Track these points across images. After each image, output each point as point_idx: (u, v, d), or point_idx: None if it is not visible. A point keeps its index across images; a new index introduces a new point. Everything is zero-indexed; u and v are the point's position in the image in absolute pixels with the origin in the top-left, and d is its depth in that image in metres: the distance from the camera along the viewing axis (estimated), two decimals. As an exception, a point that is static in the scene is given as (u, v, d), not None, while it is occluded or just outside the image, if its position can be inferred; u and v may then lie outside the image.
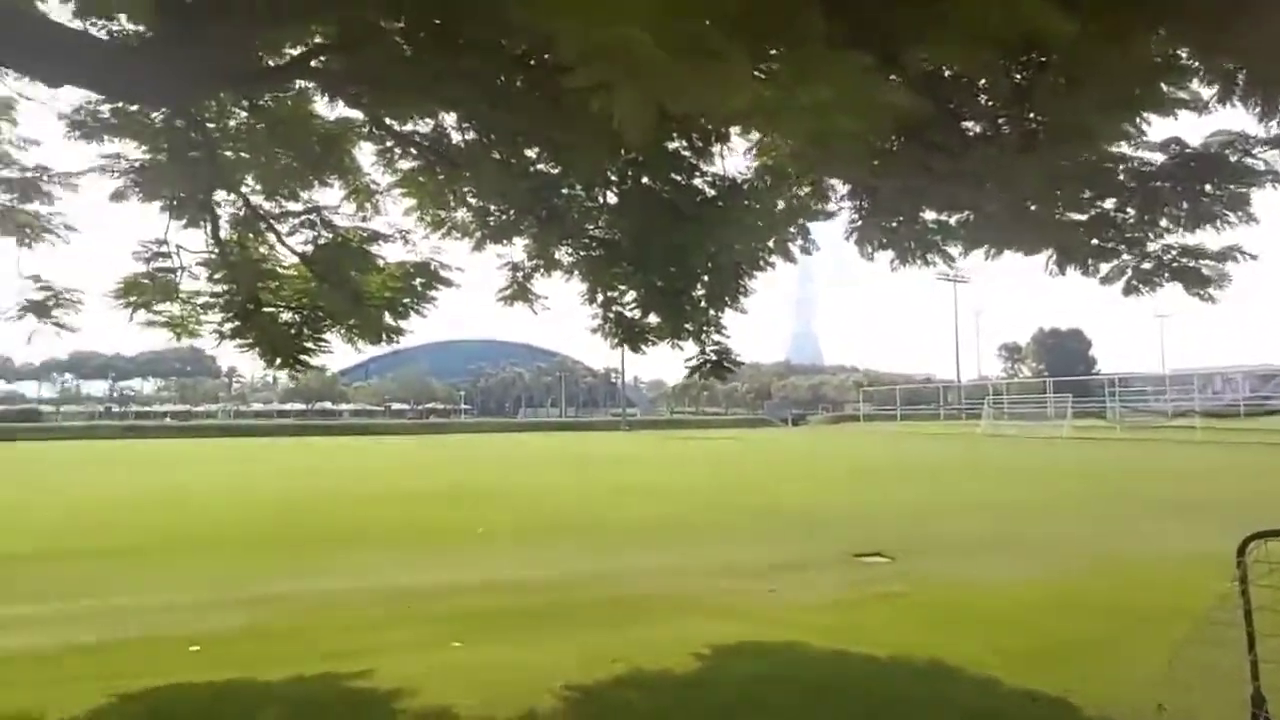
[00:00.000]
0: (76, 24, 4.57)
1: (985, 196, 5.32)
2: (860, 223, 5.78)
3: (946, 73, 4.40)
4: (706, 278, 6.82)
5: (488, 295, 7.49)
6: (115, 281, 6.91)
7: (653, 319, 7.11)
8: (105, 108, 6.11)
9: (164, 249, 6.70)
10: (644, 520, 13.51)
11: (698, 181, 6.29)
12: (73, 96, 5.91)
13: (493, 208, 7.06)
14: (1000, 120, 4.83)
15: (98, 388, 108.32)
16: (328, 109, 6.26)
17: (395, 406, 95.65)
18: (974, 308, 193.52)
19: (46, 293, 6.44)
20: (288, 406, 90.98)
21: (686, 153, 6.02)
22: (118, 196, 6.28)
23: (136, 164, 6.33)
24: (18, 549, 10.63)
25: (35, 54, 3.94)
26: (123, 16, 4.73)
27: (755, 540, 11.45)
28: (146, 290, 6.95)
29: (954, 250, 6.05)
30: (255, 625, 6.92)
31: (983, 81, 4.51)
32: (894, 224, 5.79)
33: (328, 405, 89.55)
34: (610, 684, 5.20)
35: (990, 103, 4.74)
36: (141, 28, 4.75)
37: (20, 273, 6.34)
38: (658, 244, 6.44)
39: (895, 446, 39.44)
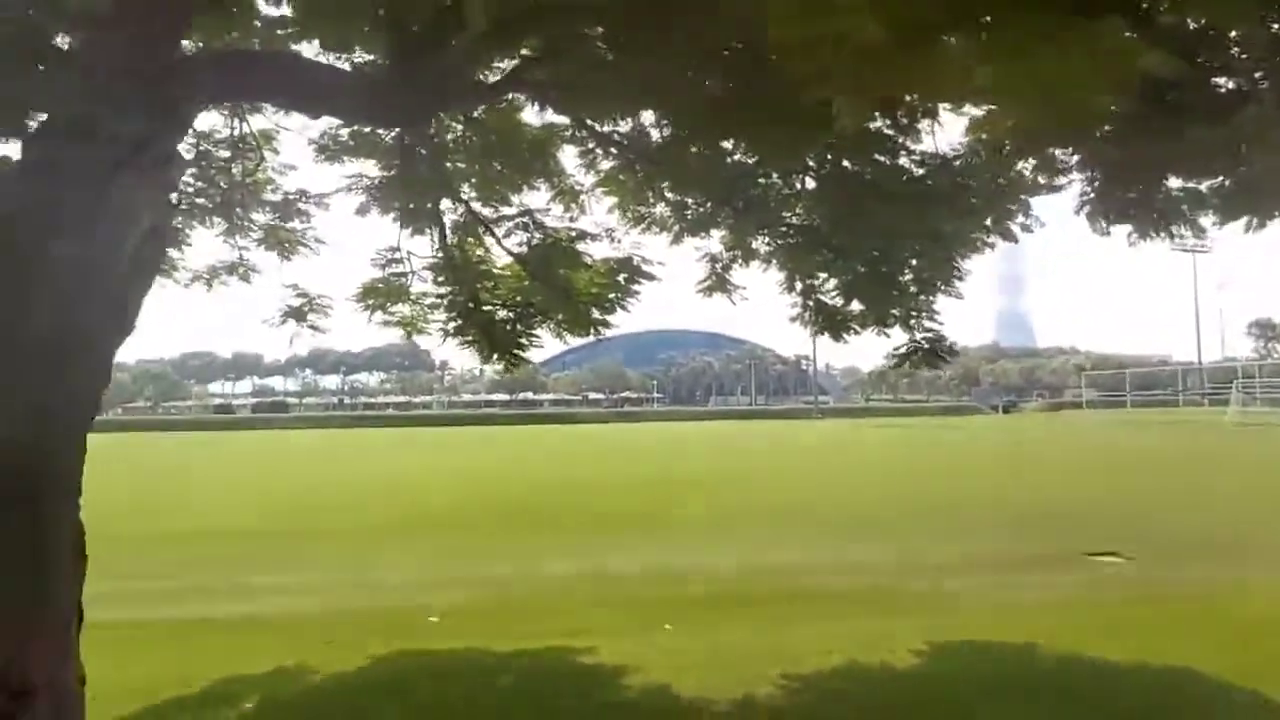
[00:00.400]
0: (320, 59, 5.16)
1: (1243, 161, 4.72)
2: (1093, 195, 5.30)
3: (1194, 26, 3.95)
4: (915, 261, 6.54)
5: (677, 285, 7.61)
6: (356, 287, 7.70)
7: (855, 306, 6.93)
8: (344, 132, 6.80)
9: (397, 255, 7.37)
10: (854, 510, 13.21)
11: (904, 161, 6.04)
12: (318, 124, 6.62)
13: (690, 201, 7.15)
14: (1258, 75, 4.27)
15: (331, 381, 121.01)
16: (535, 117, 6.60)
17: (591, 396, 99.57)
18: (1216, 280, 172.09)
19: (303, 299, 7.28)
20: (493, 397, 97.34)
21: (890, 131, 5.80)
22: (361, 211, 6.93)
23: (375, 180, 6.99)
24: (271, 526, 12.12)
25: (300, 92, 4.43)
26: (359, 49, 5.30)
27: (972, 535, 10.87)
28: (382, 293, 7.67)
29: (1206, 221, 5.40)
30: (481, 602, 7.48)
31: (1236, 34, 4.01)
32: (1133, 195, 5.26)
33: (529, 395, 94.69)
34: (828, 675, 5.17)
35: (1246, 56, 4.21)
36: (374, 58, 5.28)
37: (282, 282, 7.18)
38: (861, 228, 6.25)
39: (1126, 436, 35.85)
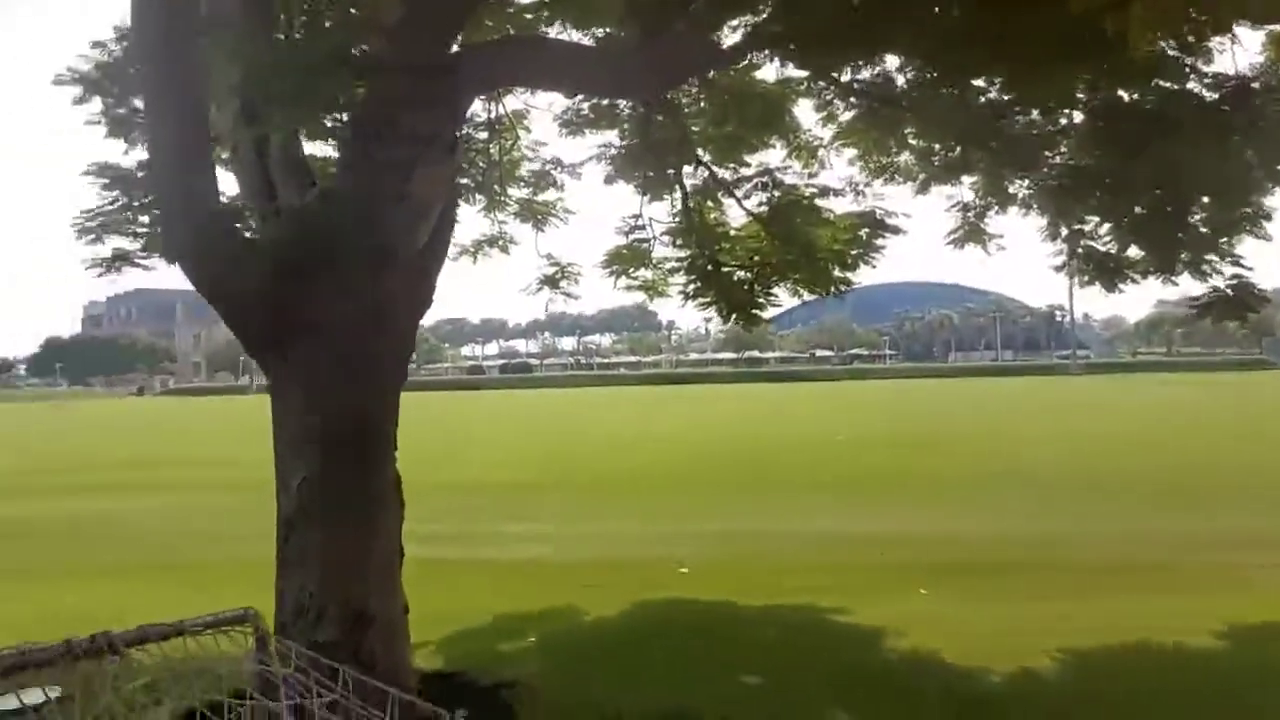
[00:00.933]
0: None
1: None
2: None
3: None
4: (1207, 199, 5.76)
5: (908, 237, 7.24)
6: (601, 254, 8.10)
7: (1133, 252, 6.23)
8: (585, 106, 7.11)
9: (639, 223, 7.65)
10: (1133, 476, 11.99)
11: (1193, 86, 5.30)
12: (562, 101, 6.97)
13: (938, 147, 6.78)
14: None
15: (568, 343, 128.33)
16: (770, 74, 6.52)
17: (819, 353, 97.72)
18: None
19: (555, 268, 7.78)
20: (720, 355, 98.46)
21: (1175, 53, 5.09)
22: (609, 180, 7.24)
23: (617, 150, 7.28)
24: (522, 478, 13.15)
25: (558, 73, 4.70)
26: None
27: (1270, 507, 9.50)
28: (626, 259, 8.01)
29: None
30: (725, 556, 7.69)
31: None
32: None
33: (755, 353, 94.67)
34: (1116, 653, 4.80)
35: None
36: (615, 32, 5.44)
37: (537, 252, 7.70)
38: (1141, 165, 5.58)
39: None
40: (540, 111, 7.30)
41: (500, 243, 8.21)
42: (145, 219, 6.65)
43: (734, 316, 7.91)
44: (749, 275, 7.77)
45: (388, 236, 3.75)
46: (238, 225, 3.72)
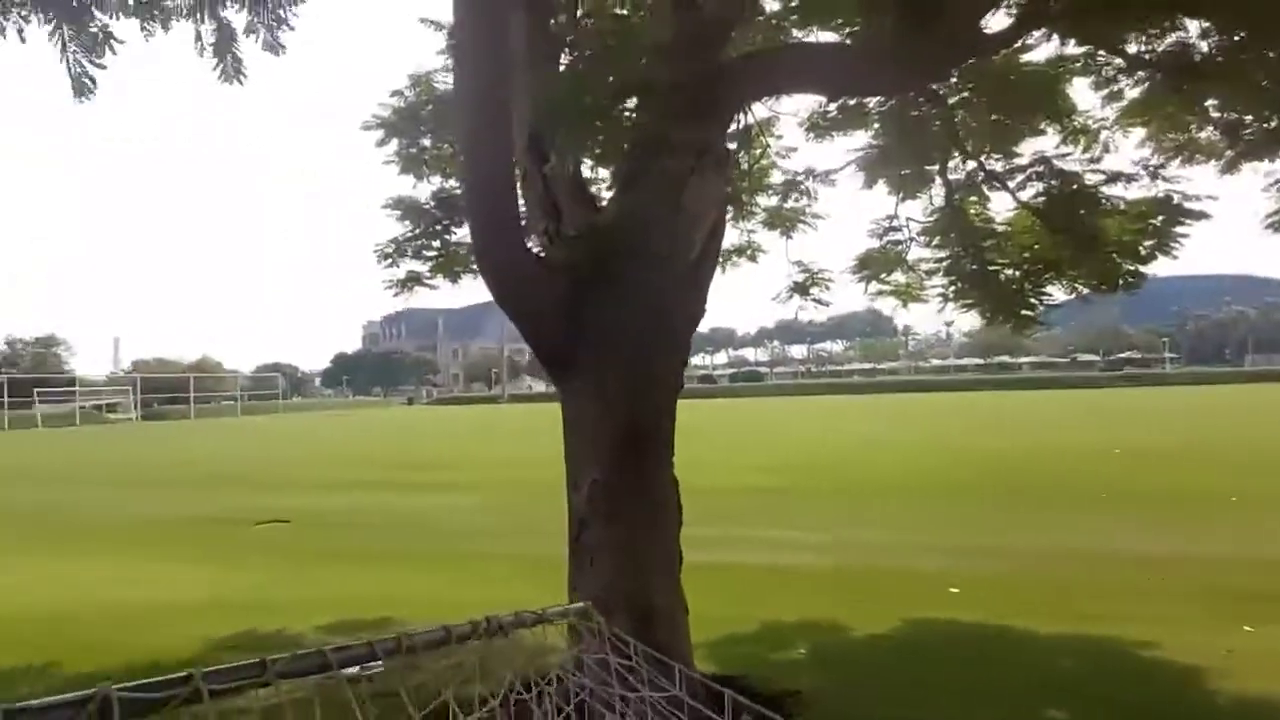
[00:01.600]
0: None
1: None
2: None
3: None
4: None
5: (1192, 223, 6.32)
6: (851, 258, 7.90)
7: None
8: (833, 107, 6.98)
9: (894, 224, 7.36)
10: None
11: None
12: (806, 106, 6.89)
13: (1249, 119, 5.94)
14: None
15: (798, 351, 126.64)
16: (1040, 54, 6.05)
17: (1081, 358, 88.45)
18: None
19: (806, 274, 7.69)
20: (964, 361, 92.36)
21: None
22: (868, 183, 7.07)
23: (869, 151, 7.07)
24: (769, 484, 13.07)
25: (822, 77, 4.65)
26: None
27: None
28: (878, 262, 7.75)
29: None
30: (996, 574, 7.17)
31: None
32: None
33: (1005, 359, 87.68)
34: None
35: None
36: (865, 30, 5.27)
37: (788, 259, 7.65)
38: None
39: None
40: (787, 117, 7.28)
41: (749, 252, 8.27)
42: (436, 244, 7.49)
43: (1001, 318, 7.39)
44: (1016, 274, 7.23)
45: (665, 249, 3.90)
46: (532, 246, 4.02)
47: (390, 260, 7.59)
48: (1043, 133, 6.75)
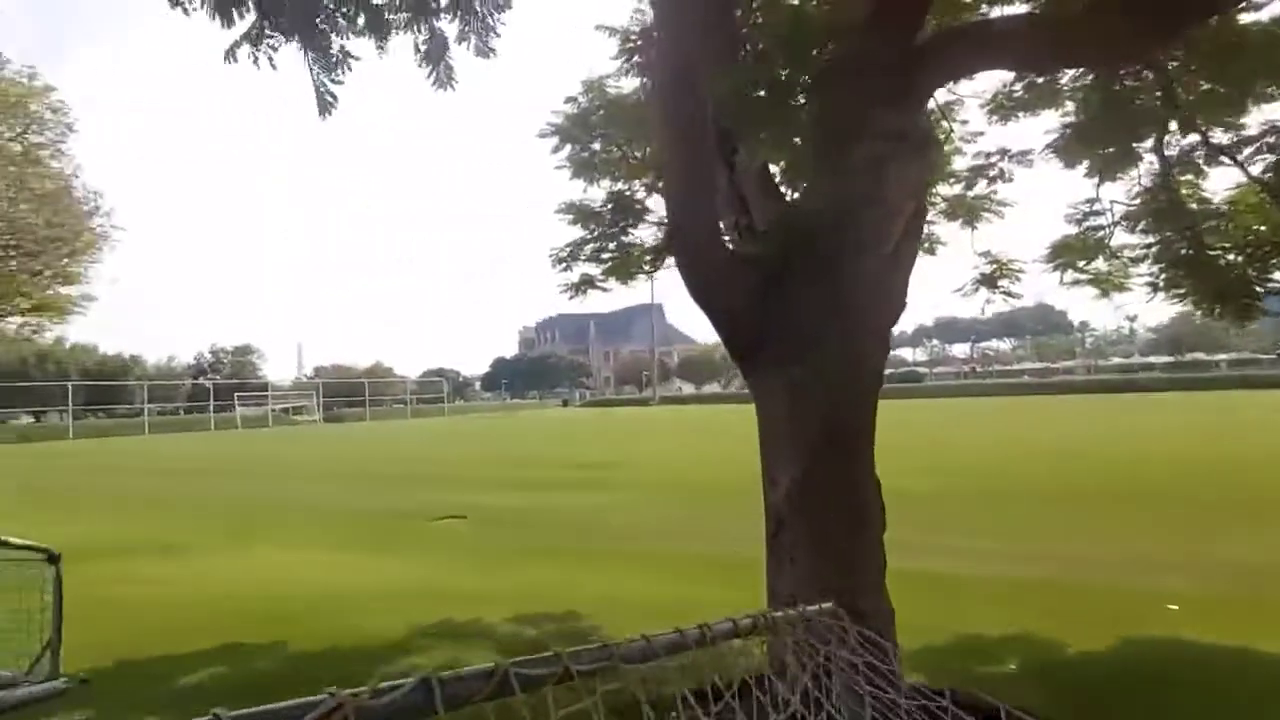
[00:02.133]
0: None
1: None
2: None
3: None
4: None
5: None
6: (1044, 247, 7.38)
7: None
8: (1019, 86, 6.53)
9: (1095, 208, 6.81)
10: None
11: None
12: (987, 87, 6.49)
13: None
14: None
15: (959, 349, 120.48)
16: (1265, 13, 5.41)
17: (1292, 354, 78.78)
18: None
19: (993, 266, 7.23)
20: (1151, 359, 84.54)
21: None
22: (1070, 164, 6.60)
23: (1064, 131, 6.57)
24: (942, 487, 12.40)
25: (1029, 51, 4.34)
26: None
27: None
28: (1076, 250, 7.19)
29: None
30: (1219, 592, 6.45)
31: None
32: None
33: (1200, 355, 79.44)
34: None
35: None
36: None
37: (974, 250, 7.23)
38: None
39: None
40: (969, 99, 6.89)
41: (927, 244, 7.88)
42: (612, 246, 7.61)
43: (1219, 308, 6.67)
44: (1240, 258, 6.50)
45: (861, 240, 3.74)
46: (724, 241, 3.97)
47: (565, 264, 7.80)
48: (1273, 99, 6.06)
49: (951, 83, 5.42)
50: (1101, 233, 6.98)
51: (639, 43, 6.68)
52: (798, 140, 4.22)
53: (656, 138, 3.35)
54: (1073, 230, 7.16)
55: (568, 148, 7.62)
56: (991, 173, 6.99)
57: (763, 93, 4.28)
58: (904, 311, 4.02)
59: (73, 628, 5.09)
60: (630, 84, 7.26)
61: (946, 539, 8.63)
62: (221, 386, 68.86)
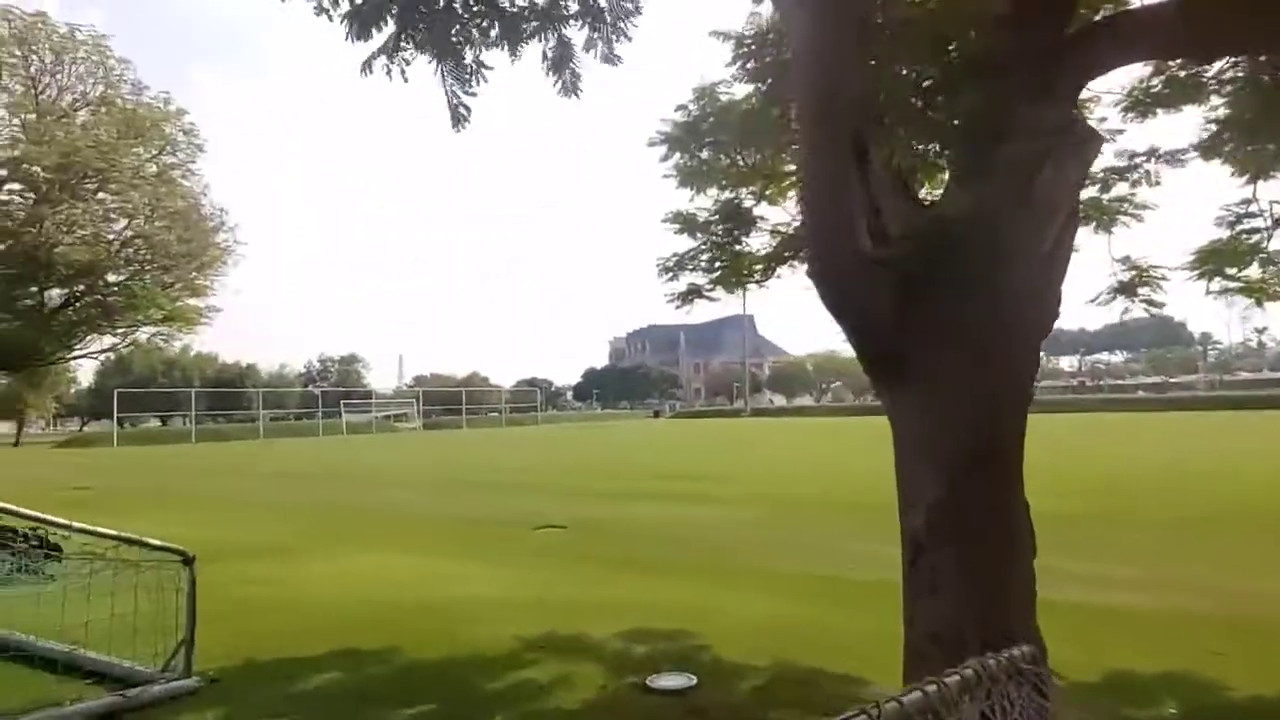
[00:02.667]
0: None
1: None
2: None
3: None
4: None
5: None
6: (1189, 252, 6.88)
7: None
8: (1157, 81, 6.08)
9: (1251, 209, 6.28)
10: None
11: None
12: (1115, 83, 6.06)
13: None
14: None
15: (1067, 362, 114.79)
16: None
17: None
18: None
19: (1133, 273, 6.74)
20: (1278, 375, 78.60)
21: None
22: (1225, 160, 6.13)
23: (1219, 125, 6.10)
24: (1066, 509, 11.63)
25: (1190, 38, 3.99)
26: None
27: None
28: (1226, 256, 6.67)
29: None
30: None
31: None
32: None
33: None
34: None
35: None
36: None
37: (1111, 256, 6.76)
38: None
39: None
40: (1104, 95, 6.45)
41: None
42: (723, 256, 7.47)
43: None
44: None
45: (1011, 244, 3.48)
46: (861, 247, 3.77)
47: (672, 274, 7.70)
48: None
49: (1105, 73, 5.06)
50: (1257, 236, 6.44)
51: (754, 47, 6.56)
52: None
53: (800, 140, 3.19)
54: (1223, 234, 6.65)
55: (676, 156, 7.54)
56: (1134, 175, 6.53)
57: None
58: (1057, 320, 3.73)
59: (200, 627, 5.28)
60: (743, 90, 7.14)
61: (1079, 565, 8.07)
62: (329, 394, 71.93)
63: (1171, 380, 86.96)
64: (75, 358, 27.15)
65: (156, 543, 4.98)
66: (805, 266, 7.52)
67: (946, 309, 3.43)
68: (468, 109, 4.02)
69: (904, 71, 4.74)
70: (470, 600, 7.39)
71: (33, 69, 21.26)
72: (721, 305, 8.04)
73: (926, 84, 4.60)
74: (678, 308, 7.94)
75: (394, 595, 7.64)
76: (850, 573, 8.24)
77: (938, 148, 5.20)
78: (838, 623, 6.33)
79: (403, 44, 3.78)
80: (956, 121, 4.10)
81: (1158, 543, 9.39)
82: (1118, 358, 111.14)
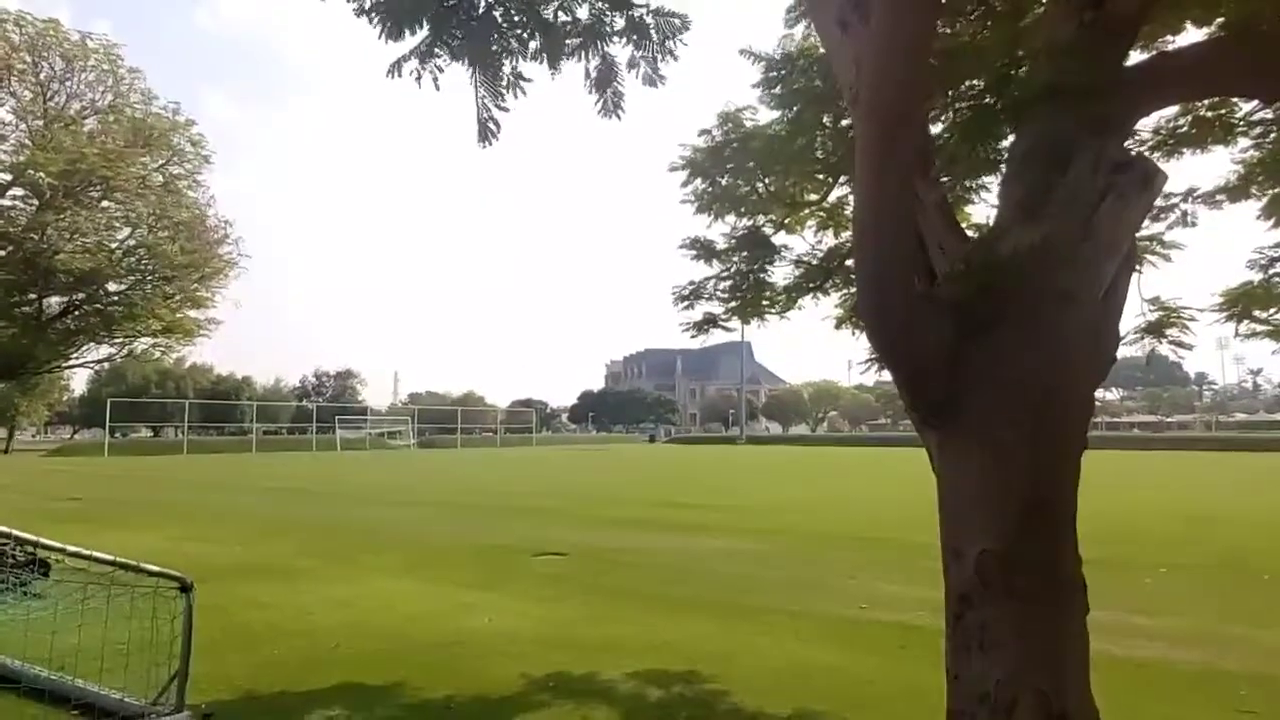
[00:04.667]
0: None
1: None
2: None
3: None
4: None
5: None
6: (1216, 294, 6.76)
7: None
8: (1184, 120, 5.98)
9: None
10: None
11: None
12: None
13: None
14: None
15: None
16: None
17: None
18: None
19: (1161, 313, 6.60)
20: (1277, 416, 78.60)
21: None
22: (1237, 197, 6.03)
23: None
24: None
25: (1196, 79, 3.90)
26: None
27: None
28: (1258, 299, 6.55)
29: None
30: None
31: None
32: None
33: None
34: None
35: None
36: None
37: (1140, 296, 6.61)
38: None
39: None
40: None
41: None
42: (739, 286, 7.31)
43: None
44: None
45: (1069, 282, 3.33)
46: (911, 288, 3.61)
47: (688, 303, 7.54)
48: None
49: (1157, 110, 4.95)
50: (1285, 279, 6.32)
51: (783, 72, 6.45)
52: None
53: (859, 166, 3.03)
54: (1255, 276, 6.54)
55: (696, 182, 7.41)
56: (1167, 217, 6.40)
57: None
58: (1113, 364, 3.57)
59: (196, 654, 5.03)
60: (767, 115, 7.03)
61: (1099, 614, 7.86)
62: (324, 409, 71.47)
63: (1166, 419, 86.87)
64: (71, 366, 26.79)
65: (154, 568, 4.76)
66: (826, 299, 7.36)
67: (1005, 351, 3.27)
68: (497, 124, 3.87)
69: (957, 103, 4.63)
70: (476, 633, 7.15)
71: (42, 75, 21.17)
72: (719, 331, 7.87)
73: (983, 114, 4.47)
74: (692, 336, 7.76)
75: (398, 625, 7.40)
76: (869, 613, 8.02)
77: (980, 182, 5.09)
78: (863, 670, 6.09)
79: (437, 50, 3.64)
80: (1006, 155, 3.96)
81: (1177, 591, 9.16)
82: (1113, 395, 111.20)
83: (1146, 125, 6.04)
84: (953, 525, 3.44)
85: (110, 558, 4.66)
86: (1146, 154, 6.30)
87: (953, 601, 3.41)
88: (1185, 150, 6.25)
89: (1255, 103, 5.65)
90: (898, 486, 23.29)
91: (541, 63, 3.75)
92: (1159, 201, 6.32)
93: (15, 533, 4.67)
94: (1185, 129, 6.09)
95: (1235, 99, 5.21)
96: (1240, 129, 6.01)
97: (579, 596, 8.77)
